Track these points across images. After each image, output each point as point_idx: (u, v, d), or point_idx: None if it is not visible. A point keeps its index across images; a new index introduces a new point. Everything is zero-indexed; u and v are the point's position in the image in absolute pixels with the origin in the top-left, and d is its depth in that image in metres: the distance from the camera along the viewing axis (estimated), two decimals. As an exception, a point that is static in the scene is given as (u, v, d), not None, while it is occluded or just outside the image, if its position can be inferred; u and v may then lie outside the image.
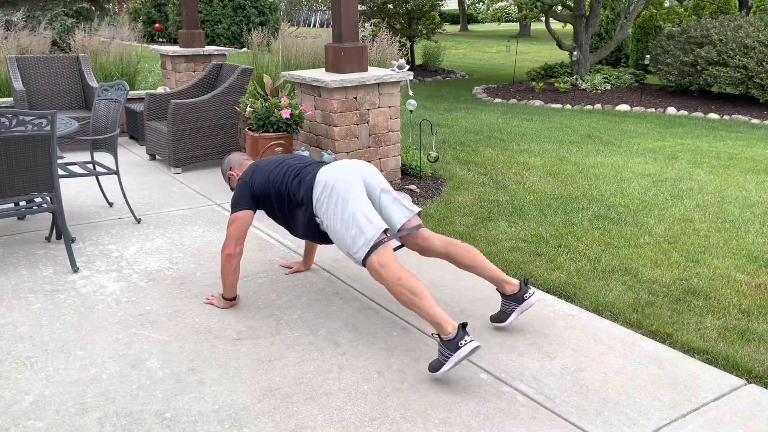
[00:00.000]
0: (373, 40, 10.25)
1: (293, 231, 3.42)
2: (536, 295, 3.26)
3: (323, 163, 3.34)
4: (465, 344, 2.72)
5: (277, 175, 3.32)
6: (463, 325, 2.75)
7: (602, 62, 15.61)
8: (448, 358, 2.74)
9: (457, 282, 3.83)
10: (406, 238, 3.33)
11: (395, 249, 3.24)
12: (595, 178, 6.13)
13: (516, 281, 3.25)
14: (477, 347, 2.72)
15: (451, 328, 2.75)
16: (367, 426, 2.56)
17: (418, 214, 3.32)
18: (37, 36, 8.98)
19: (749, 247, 4.42)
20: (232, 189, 3.74)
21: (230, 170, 3.71)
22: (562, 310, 3.52)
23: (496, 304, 3.56)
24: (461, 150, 7.23)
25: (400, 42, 10.29)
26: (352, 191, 3.08)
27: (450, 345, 2.74)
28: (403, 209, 3.26)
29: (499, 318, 3.29)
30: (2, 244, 4.42)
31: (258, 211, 3.86)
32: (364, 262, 2.98)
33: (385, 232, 3.01)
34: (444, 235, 3.63)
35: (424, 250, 3.32)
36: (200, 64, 8.45)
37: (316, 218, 3.20)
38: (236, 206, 3.36)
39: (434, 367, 2.82)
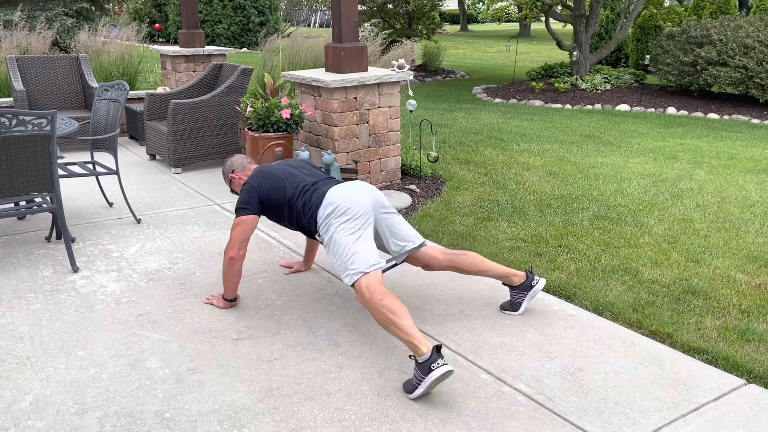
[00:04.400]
0: (378, 37, 10.27)
1: (307, 235, 3.44)
2: (543, 280, 3.44)
3: (332, 180, 3.35)
4: (437, 367, 2.64)
5: (287, 189, 3.31)
6: (437, 348, 2.69)
7: (602, 62, 15.62)
8: (421, 381, 2.67)
9: (458, 282, 3.83)
10: (410, 257, 3.41)
11: (386, 270, 3.25)
12: (595, 178, 6.13)
13: (521, 272, 3.43)
14: (449, 372, 2.64)
15: (425, 349, 2.69)
16: (367, 426, 2.56)
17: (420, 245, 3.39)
18: (37, 36, 8.98)
19: (749, 247, 4.42)
20: (232, 191, 3.73)
21: (232, 173, 3.68)
22: (562, 310, 3.52)
23: (496, 303, 3.57)
24: (461, 150, 7.23)
25: (401, 42, 10.31)
26: (358, 218, 3.10)
27: (423, 368, 2.67)
28: (410, 236, 3.33)
29: (511, 307, 3.45)
30: (2, 244, 4.42)
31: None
32: (352, 284, 3.00)
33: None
34: (443, 247, 3.68)
35: (429, 266, 3.42)
36: (200, 64, 8.46)
37: (318, 237, 3.23)
38: (242, 210, 3.34)
39: (408, 389, 2.77)
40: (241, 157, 3.73)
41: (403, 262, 3.43)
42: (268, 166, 3.45)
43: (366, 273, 2.95)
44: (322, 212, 3.16)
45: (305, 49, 8.30)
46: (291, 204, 3.29)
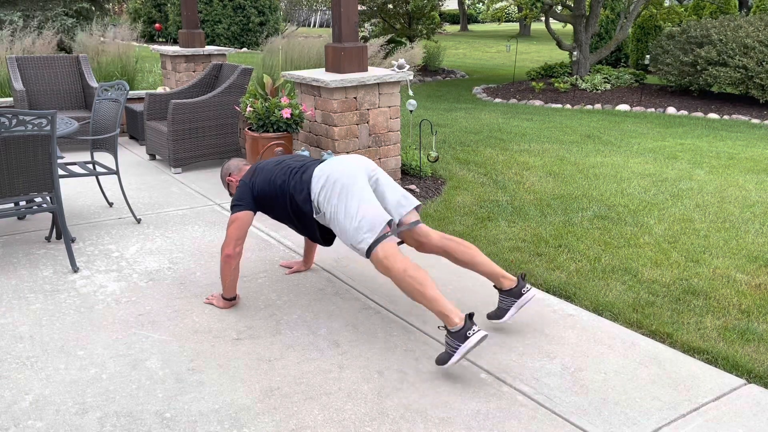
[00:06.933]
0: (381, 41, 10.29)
1: (304, 230, 3.43)
2: (534, 290, 3.27)
3: (321, 161, 3.36)
4: (473, 334, 2.73)
5: (277, 176, 3.34)
6: (470, 315, 2.77)
7: (602, 62, 15.61)
8: (456, 349, 2.75)
9: (458, 282, 3.83)
10: (404, 233, 3.33)
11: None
12: (595, 178, 6.13)
13: (513, 277, 3.25)
14: (485, 336, 2.74)
15: (458, 319, 2.77)
16: (367, 426, 2.56)
17: (416, 208, 3.32)
18: (42, 40, 8.98)
19: (749, 247, 4.42)
20: (231, 195, 3.75)
21: (229, 176, 3.72)
22: (562, 310, 3.52)
23: (495, 304, 3.56)
24: (461, 150, 7.23)
25: (404, 44, 10.34)
26: (355, 183, 3.10)
27: (458, 336, 2.75)
28: (403, 200, 3.26)
29: (496, 315, 3.25)
30: (2, 244, 4.42)
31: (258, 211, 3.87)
32: (368, 254, 2.99)
33: (388, 224, 3.02)
34: (442, 232, 3.65)
35: (422, 246, 3.31)
36: (200, 64, 8.45)
37: (318, 213, 3.20)
38: (236, 207, 3.37)
39: (442, 359, 2.81)
40: (236, 161, 3.78)
41: (401, 242, 3.37)
42: (261, 163, 3.49)
43: (378, 240, 2.96)
44: (315, 187, 3.16)
45: (305, 49, 8.30)
46: (284, 189, 3.30)
